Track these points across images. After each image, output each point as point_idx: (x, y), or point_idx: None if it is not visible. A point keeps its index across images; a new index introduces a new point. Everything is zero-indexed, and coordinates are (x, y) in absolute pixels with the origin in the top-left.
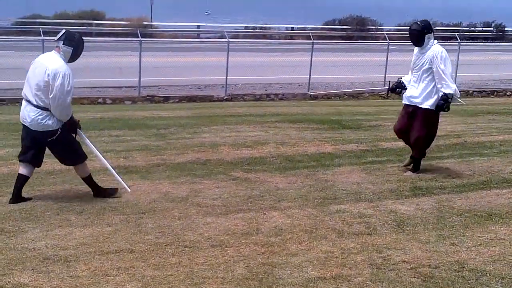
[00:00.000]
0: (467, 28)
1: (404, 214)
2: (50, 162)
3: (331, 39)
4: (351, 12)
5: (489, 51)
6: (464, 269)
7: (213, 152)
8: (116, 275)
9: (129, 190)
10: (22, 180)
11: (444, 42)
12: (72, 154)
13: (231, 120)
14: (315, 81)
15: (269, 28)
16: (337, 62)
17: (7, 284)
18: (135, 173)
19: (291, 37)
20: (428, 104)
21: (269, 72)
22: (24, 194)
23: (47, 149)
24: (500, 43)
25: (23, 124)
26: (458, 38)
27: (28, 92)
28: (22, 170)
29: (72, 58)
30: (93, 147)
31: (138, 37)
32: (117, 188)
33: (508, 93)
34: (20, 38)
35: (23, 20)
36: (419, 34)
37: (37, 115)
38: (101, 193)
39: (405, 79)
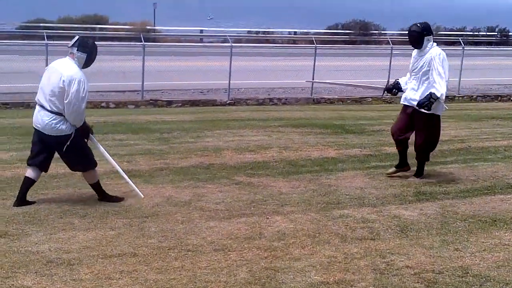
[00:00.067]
0: (471, 33)
1: (408, 219)
2: (53, 166)
3: (334, 44)
4: (354, 17)
5: (493, 55)
6: (468, 274)
7: (216, 156)
8: (119, 278)
9: (142, 196)
10: (28, 183)
11: (448, 46)
12: (83, 160)
13: (234, 125)
14: (318, 86)
15: (272, 32)
16: (340, 67)
17: (10, 287)
18: (138, 177)
19: (294, 42)
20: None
21: (272, 76)
22: (28, 197)
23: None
24: (504, 48)
25: (35, 129)
26: (462, 42)
27: (41, 97)
28: (30, 173)
29: (86, 64)
30: (105, 152)
31: (141, 42)
32: (123, 198)
33: None
34: (24, 42)
35: (27, 24)
36: (418, 36)
37: (50, 119)
38: (106, 199)
39: (401, 80)
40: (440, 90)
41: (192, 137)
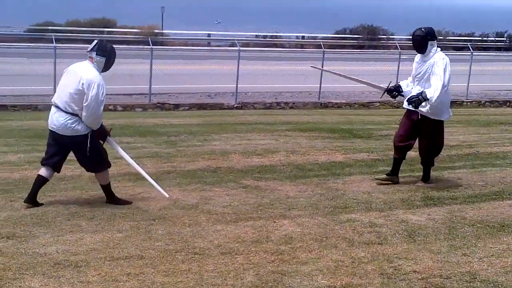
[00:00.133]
0: (480, 38)
1: (415, 224)
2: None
3: (342, 48)
4: (362, 21)
5: (501, 61)
6: (476, 280)
7: (223, 159)
8: (126, 281)
9: (167, 196)
10: (41, 182)
11: (457, 52)
12: (97, 161)
13: (242, 128)
14: (326, 90)
15: (280, 36)
16: (348, 71)
17: None
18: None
19: (302, 46)
20: (435, 115)
21: (280, 80)
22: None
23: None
24: None
25: (51, 130)
26: (470, 48)
27: (58, 99)
28: (43, 172)
29: (105, 67)
30: (126, 154)
31: (149, 45)
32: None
33: None
34: (32, 45)
35: (35, 27)
36: (422, 40)
37: (66, 119)
38: (114, 201)
39: (403, 83)
40: (433, 93)
41: (199, 140)
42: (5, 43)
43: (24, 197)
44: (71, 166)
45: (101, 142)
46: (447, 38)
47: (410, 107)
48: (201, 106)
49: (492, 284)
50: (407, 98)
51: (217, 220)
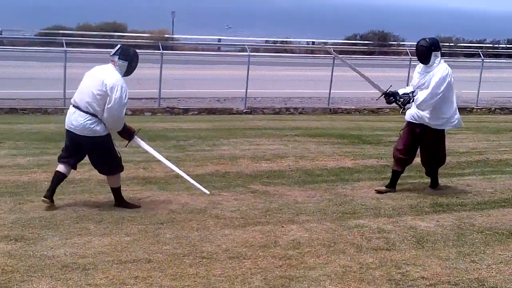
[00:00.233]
0: (491, 45)
1: (424, 230)
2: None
3: (352, 54)
4: (373, 28)
5: None
6: (484, 286)
7: (232, 164)
8: (134, 284)
9: (208, 192)
10: (60, 178)
11: (467, 58)
12: (111, 163)
13: (251, 133)
14: (335, 96)
15: (290, 42)
16: (358, 77)
17: None
18: (154, 184)
19: (312, 52)
20: (436, 124)
21: (289, 86)
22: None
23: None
24: None
25: (68, 131)
26: (481, 54)
27: (79, 99)
28: (61, 168)
29: (127, 72)
30: (156, 152)
31: (160, 50)
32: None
33: None
34: (43, 49)
35: (46, 31)
36: (426, 50)
37: (86, 120)
38: (123, 205)
39: (400, 91)
40: (421, 98)
41: (209, 145)
42: (16, 47)
43: (33, 200)
44: (80, 169)
45: (127, 141)
46: (458, 44)
47: (413, 120)
48: (210, 111)
49: None
50: (399, 94)
51: (225, 224)
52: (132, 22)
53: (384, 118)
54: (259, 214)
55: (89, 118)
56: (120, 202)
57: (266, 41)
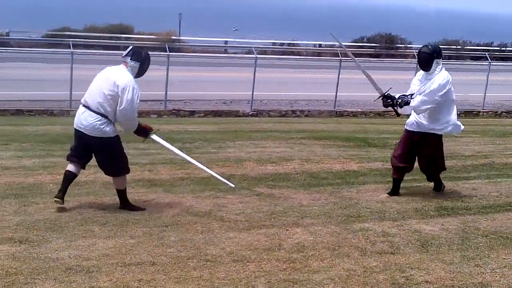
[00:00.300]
0: (498, 48)
1: (429, 234)
2: None
3: (359, 57)
4: (380, 30)
5: None
6: None
7: (237, 167)
8: (138, 287)
9: (233, 186)
10: (70, 177)
11: (474, 61)
12: (118, 165)
13: (256, 136)
14: (341, 99)
15: (297, 44)
16: (364, 80)
17: None
18: (159, 186)
19: (319, 54)
20: (434, 129)
21: (295, 88)
22: (48, 204)
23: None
24: None
25: (77, 130)
26: (488, 57)
27: (89, 99)
28: (71, 167)
29: (138, 73)
30: (174, 148)
31: (166, 51)
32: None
33: None
34: (49, 51)
35: (53, 32)
36: (428, 57)
37: (95, 120)
38: (128, 207)
39: (397, 96)
40: (414, 103)
41: (214, 147)
42: (22, 48)
43: (38, 202)
44: (86, 171)
45: (143, 139)
46: (465, 47)
47: (412, 129)
48: (216, 113)
49: None
50: (398, 96)
51: (229, 227)
52: (139, 24)
53: (390, 121)
54: (263, 217)
55: (99, 118)
56: (125, 204)
57: (273, 43)
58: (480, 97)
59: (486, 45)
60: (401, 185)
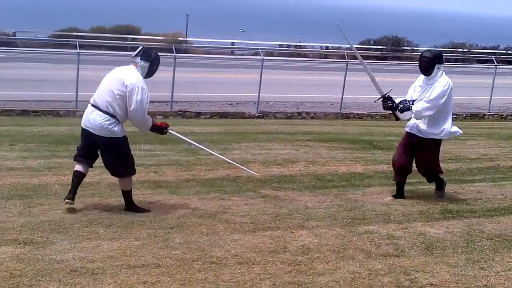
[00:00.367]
0: (504, 51)
1: (433, 237)
2: None
3: (366, 59)
4: (387, 33)
5: None
6: None
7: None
8: None
9: (257, 174)
10: (79, 177)
11: (480, 64)
12: (125, 166)
13: (262, 138)
14: (348, 101)
15: (304, 46)
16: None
17: None
18: (164, 187)
19: (326, 56)
20: (433, 133)
21: (302, 90)
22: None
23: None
24: None
25: (85, 130)
26: (494, 61)
27: (98, 99)
28: (79, 167)
29: (148, 73)
30: (194, 142)
31: (173, 53)
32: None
33: None
34: (56, 51)
35: (60, 33)
36: (429, 62)
37: (104, 120)
38: (133, 209)
39: (397, 100)
40: (420, 107)
41: (220, 149)
42: (29, 49)
43: (43, 203)
44: (91, 173)
45: (161, 135)
46: (471, 50)
47: (413, 132)
48: (222, 115)
49: None
50: (399, 101)
51: (235, 229)
52: (146, 25)
53: (396, 124)
54: (269, 219)
55: (108, 118)
56: (130, 206)
57: (280, 45)
58: (486, 100)
59: (493, 48)
60: (406, 187)
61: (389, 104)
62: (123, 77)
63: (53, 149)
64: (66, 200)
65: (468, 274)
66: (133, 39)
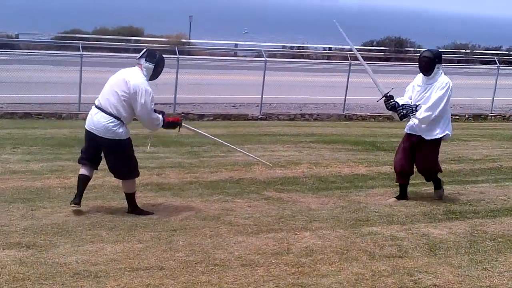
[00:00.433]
0: (507, 52)
1: (437, 238)
2: None
3: (369, 60)
4: (388, 34)
5: None
6: None
7: (246, 171)
8: None
9: (270, 165)
10: (84, 180)
11: (483, 65)
12: (128, 168)
13: (265, 139)
14: (351, 102)
15: (307, 47)
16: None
17: None
18: (167, 190)
19: (329, 57)
20: (433, 135)
21: (305, 92)
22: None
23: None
24: None
25: (88, 132)
26: (497, 61)
27: (103, 100)
28: (83, 170)
29: (153, 75)
30: (209, 135)
31: (176, 54)
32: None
33: None
34: (59, 53)
35: (63, 35)
36: (430, 61)
37: (108, 121)
38: (136, 212)
39: (398, 100)
40: (420, 115)
41: (223, 151)
42: (31, 51)
43: (46, 206)
44: (94, 175)
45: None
46: (473, 51)
47: (412, 132)
48: (225, 117)
49: None
50: (402, 106)
51: (238, 231)
52: (149, 26)
53: (399, 125)
54: (272, 221)
55: (112, 120)
56: (133, 208)
57: (283, 47)
58: (488, 101)
59: (495, 49)
60: (409, 189)
61: (392, 103)
62: (127, 79)
63: (56, 152)
64: (72, 205)
65: (472, 274)
66: (136, 41)
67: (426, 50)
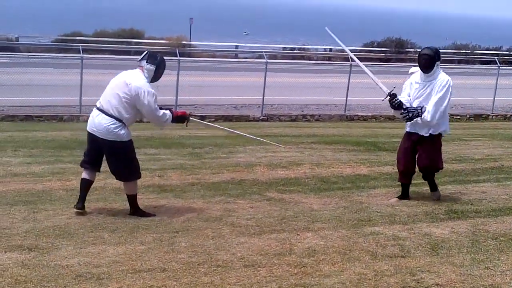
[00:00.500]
0: (507, 52)
1: (439, 237)
2: None
3: (369, 61)
4: (389, 35)
5: None
6: None
7: (248, 172)
8: None
9: (284, 147)
10: (87, 184)
11: (484, 65)
12: (130, 169)
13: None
14: (352, 103)
15: (308, 49)
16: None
17: None
18: (169, 191)
19: (329, 59)
20: (432, 130)
21: (306, 93)
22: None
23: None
24: None
25: (90, 134)
26: (497, 62)
27: (104, 102)
28: (85, 174)
29: (154, 77)
30: (217, 126)
31: (177, 56)
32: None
33: None
34: (59, 56)
35: (63, 37)
36: (430, 59)
37: (109, 123)
38: (138, 213)
39: (401, 98)
40: (429, 117)
41: (224, 152)
42: (32, 53)
43: (47, 208)
44: (95, 178)
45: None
46: (474, 51)
47: (412, 130)
48: (227, 118)
49: None
50: (407, 109)
51: (240, 232)
52: (149, 29)
53: (401, 125)
54: (274, 222)
55: (113, 122)
56: (135, 210)
57: (284, 48)
58: (489, 100)
59: (496, 49)
60: (411, 189)
61: (397, 101)
62: (129, 81)
63: (57, 154)
64: (76, 210)
65: (474, 273)
66: (137, 43)
67: (425, 48)
